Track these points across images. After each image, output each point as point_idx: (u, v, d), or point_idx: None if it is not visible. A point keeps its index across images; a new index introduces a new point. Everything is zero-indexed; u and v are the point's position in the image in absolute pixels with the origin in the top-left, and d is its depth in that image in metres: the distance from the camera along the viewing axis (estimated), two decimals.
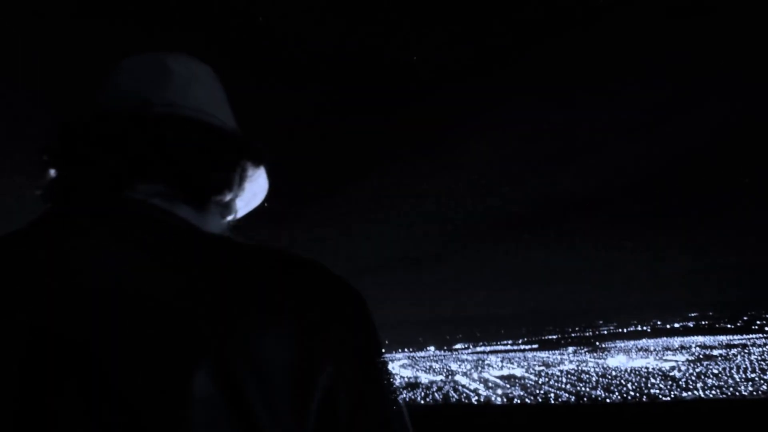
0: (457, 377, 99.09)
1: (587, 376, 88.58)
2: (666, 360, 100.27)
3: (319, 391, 0.46)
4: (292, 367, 0.46)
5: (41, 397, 0.43)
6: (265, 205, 0.78)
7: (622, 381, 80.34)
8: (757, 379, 75.19)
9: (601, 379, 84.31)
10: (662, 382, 77.87)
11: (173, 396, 0.42)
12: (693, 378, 78.15)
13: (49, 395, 0.43)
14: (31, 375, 0.44)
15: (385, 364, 0.53)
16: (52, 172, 0.62)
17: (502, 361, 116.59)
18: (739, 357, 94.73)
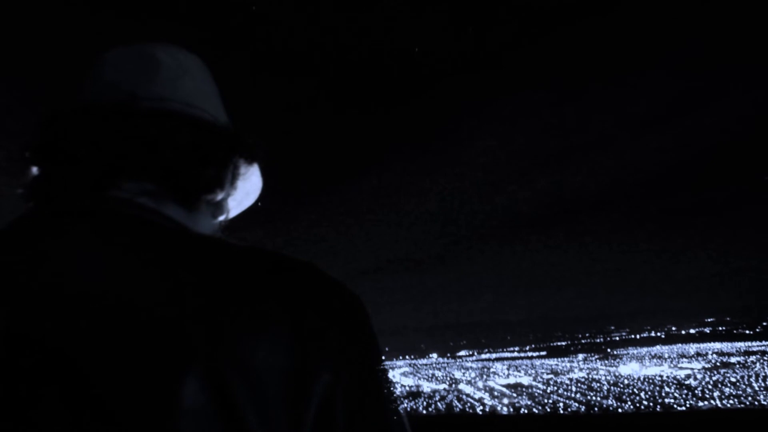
0: (461, 386, 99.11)
1: (598, 384, 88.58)
2: (681, 368, 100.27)
3: (315, 401, 0.46)
4: (286, 375, 0.45)
5: (22, 408, 0.43)
6: (259, 204, 0.77)
7: (635, 390, 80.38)
8: None
9: (612, 387, 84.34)
10: (677, 391, 77.84)
11: (161, 406, 0.42)
12: (709, 387, 78.13)
13: (30, 406, 0.42)
14: (10, 384, 0.43)
15: (385, 372, 0.53)
16: (34, 169, 0.61)
17: (508, 369, 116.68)
18: (758, 364, 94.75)
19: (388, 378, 0.53)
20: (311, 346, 0.47)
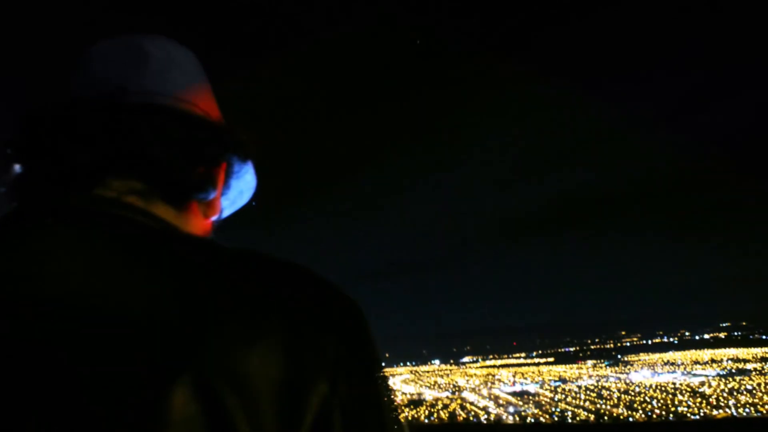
0: (465, 394, 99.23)
1: (608, 392, 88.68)
2: (695, 375, 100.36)
3: (311, 413, 0.45)
4: (281, 385, 0.44)
5: (3, 418, 0.42)
6: (253, 204, 0.77)
7: (647, 398, 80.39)
8: None
9: (623, 395, 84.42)
10: (690, 398, 77.90)
11: (149, 416, 0.41)
12: (725, 394, 78.19)
13: (12, 415, 0.41)
14: None
15: (385, 380, 0.52)
16: (17, 167, 0.60)
17: (514, 376, 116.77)
18: None
19: (388, 386, 0.52)
20: (306, 355, 0.46)
